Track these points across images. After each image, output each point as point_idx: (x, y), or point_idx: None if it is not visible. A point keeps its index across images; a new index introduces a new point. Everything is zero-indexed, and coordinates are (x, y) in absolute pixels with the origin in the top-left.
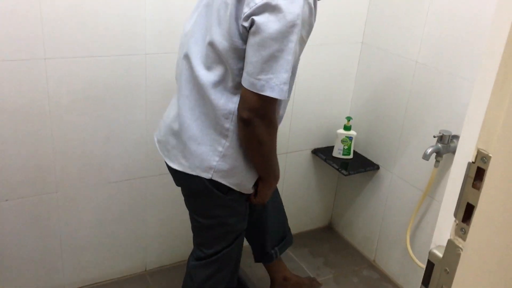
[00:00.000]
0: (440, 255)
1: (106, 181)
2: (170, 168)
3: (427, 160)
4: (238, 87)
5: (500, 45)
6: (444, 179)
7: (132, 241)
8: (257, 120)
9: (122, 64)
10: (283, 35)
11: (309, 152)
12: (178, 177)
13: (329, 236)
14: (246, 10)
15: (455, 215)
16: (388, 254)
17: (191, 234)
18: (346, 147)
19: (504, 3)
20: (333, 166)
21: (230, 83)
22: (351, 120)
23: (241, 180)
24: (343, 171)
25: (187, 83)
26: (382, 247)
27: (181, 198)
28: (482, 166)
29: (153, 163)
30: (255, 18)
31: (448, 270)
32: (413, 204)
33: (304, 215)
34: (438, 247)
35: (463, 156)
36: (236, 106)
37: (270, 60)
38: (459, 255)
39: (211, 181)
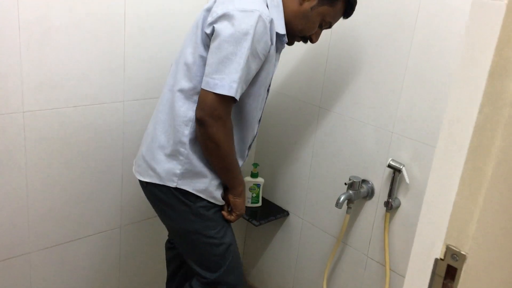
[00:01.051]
0: None
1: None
2: (142, 184)
3: (340, 208)
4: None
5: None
6: (356, 224)
7: None
8: (211, 120)
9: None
10: (236, 40)
11: None
12: (149, 190)
13: None
14: (209, 19)
15: None
16: None
17: None
18: (254, 194)
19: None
20: (242, 217)
21: (192, 93)
22: (257, 167)
23: (207, 186)
24: (254, 222)
25: (163, 99)
26: None
27: (77, 273)
28: (453, 264)
29: (37, 235)
30: (215, 25)
31: None
32: (326, 250)
33: None
34: None
35: (422, 249)
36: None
37: (224, 62)
38: None
39: (177, 189)
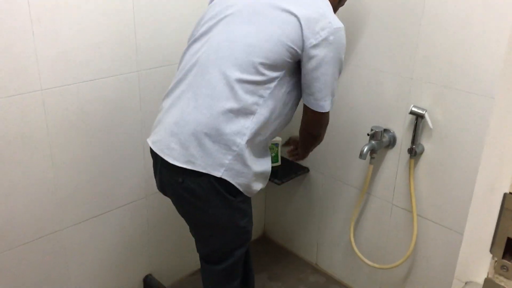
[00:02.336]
0: None
1: (13, 245)
2: (170, 168)
3: (364, 159)
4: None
5: None
6: (379, 174)
7: None
8: (323, 131)
9: (16, 107)
10: (335, 63)
11: None
12: (182, 178)
13: (266, 248)
14: (313, 41)
15: (492, 251)
16: (329, 255)
17: (123, 280)
18: (273, 154)
19: None
20: None
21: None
22: None
23: (249, 182)
24: (276, 180)
25: (214, 80)
26: (323, 249)
27: (107, 247)
28: None
29: (67, 212)
30: (316, 51)
31: None
32: (349, 202)
33: None
34: (468, 284)
35: (486, 184)
36: (260, 108)
37: (327, 85)
38: None
39: (220, 180)
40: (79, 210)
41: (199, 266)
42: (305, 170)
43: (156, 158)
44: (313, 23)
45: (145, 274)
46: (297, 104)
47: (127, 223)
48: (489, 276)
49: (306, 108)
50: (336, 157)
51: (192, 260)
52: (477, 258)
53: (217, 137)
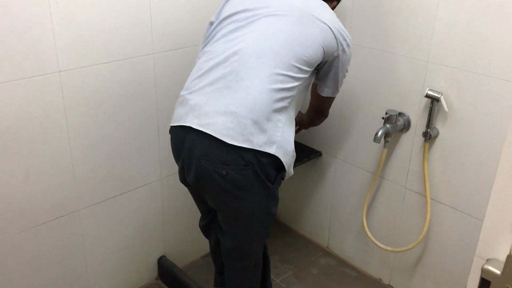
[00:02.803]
0: (497, 271)
1: (32, 224)
2: (212, 160)
3: (378, 142)
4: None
5: None
6: (393, 158)
7: (73, 282)
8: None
9: (34, 88)
10: (347, 63)
11: None
12: (226, 170)
13: (278, 231)
14: (341, 47)
15: None
16: (341, 238)
17: (138, 261)
18: None
19: None
20: None
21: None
22: None
23: (291, 162)
24: None
25: (257, 68)
26: (334, 233)
27: (123, 228)
28: None
29: (84, 193)
30: (342, 52)
31: (510, 287)
32: (362, 186)
33: None
34: (490, 261)
35: (511, 161)
36: (294, 96)
37: (341, 79)
38: None
39: (262, 167)
40: (96, 191)
41: None
42: (318, 154)
43: (193, 148)
44: (341, 32)
45: (160, 255)
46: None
47: (142, 205)
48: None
49: (319, 96)
50: (350, 141)
51: (205, 242)
52: (499, 236)
53: (269, 115)
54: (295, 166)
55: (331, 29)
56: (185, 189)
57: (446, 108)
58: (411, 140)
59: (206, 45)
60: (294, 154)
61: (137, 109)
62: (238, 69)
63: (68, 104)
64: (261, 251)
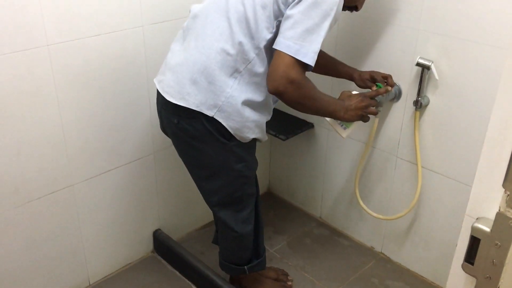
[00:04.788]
0: (487, 229)
1: (26, 200)
2: (167, 109)
3: None
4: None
5: None
6: (384, 127)
7: (69, 257)
8: (288, 87)
9: (22, 63)
10: (324, 11)
11: None
12: (177, 119)
13: (271, 203)
14: None
15: (505, 185)
16: (334, 208)
17: (133, 235)
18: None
19: None
20: (269, 133)
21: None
22: None
23: (241, 127)
24: (281, 136)
25: (221, 17)
26: (327, 203)
27: (118, 203)
28: None
29: (77, 167)
30: None
31: (499, 243)
32: (354, 156)
33: None
34: (479, 220)
35: (500, 121)
36: (254, 59)
37: (310, 31)
38: None
39: (212, 121)
40: (89, 165)
41: (206, 221)
42: (310, 125)
43: (158, 98)
44: None
45: (155, 228)
46: None
47: (136, 179)
48: (501, 210)
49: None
50: None
51: (199, 214)
52: (488, 195)
53: (213, 77)
54: (287, 138)
55: None
56: (178, 162)
57: (436, 76)
58: (402, 109)
59: None
60: (253, 120)
61: (128, 82)
62: (200, 27)
63: (58, 78)
64: (234, 217)
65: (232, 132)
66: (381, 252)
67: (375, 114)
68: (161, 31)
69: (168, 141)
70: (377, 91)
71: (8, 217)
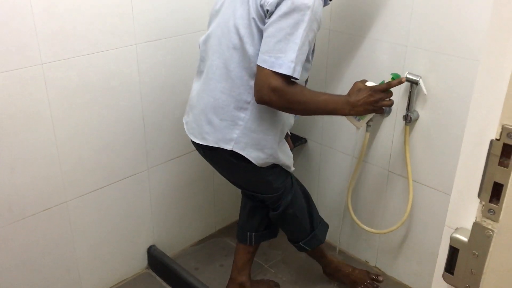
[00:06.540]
0: (465, 239)
1: (20, 217)
2: (197, 145)
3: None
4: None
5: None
6: (376, 142)
7: (63, 274)
8: (271, 96)
9: (17, 81)
10: (295, 20)
11: None
12: (203, 151)
13: None
14: None
15: (480, 196)
16: (327, 223)
17: (127, 251)
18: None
19: None
20: None
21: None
22: None
23: (257, 154)
24: None
25: (218, 59)
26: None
27: (112, 219)
28: (509, 142)
29: (71, 184)
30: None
31: (477, 253)
32: (347, 170)
33: (236, 202)
34: (458, 230)
35: (474, 133)
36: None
37: (283, 41)
38: (489, 237)
39: (231, 153)
40: (83, 182)
41: (201, 237)
42: (303, 140)
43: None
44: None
45: (149, 245)
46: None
47: (130, 196)
48: (477, 220)
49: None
50: (334, 127)
51: (194, 230)
52: (466, 206)
53: (223, 115)
54: None
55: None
56: (172, 179)
57: (425, 91)
58: (393, 124)
59: None
60: (271, 148)
61: (122, 100)
62: (206, 67)
63: (52, 96)
64: (280, 196)
65: (252, 161)
66: (376, 266)
67: (390, 105)
68: (155, 49)
69: (162, 157)
70: (389, 83)
71: (2, 234)
